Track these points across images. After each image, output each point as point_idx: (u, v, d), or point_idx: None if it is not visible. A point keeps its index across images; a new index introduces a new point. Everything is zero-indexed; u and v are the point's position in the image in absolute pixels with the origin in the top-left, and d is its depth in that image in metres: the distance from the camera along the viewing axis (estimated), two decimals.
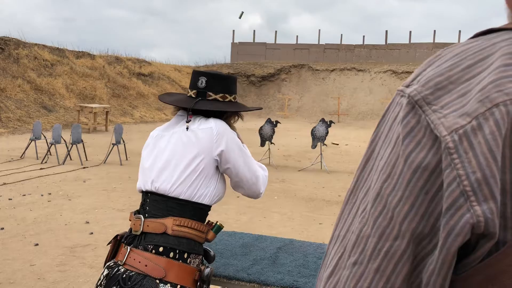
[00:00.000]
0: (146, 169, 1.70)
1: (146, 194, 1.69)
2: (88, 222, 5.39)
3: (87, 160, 9.69)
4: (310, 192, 7.70)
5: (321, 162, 10.05)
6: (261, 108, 2.17)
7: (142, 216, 1.63)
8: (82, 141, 9.62)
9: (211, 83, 1.76)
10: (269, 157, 10.03)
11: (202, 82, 1.76)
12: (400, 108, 0.46)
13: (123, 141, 9.80)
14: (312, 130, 10.23)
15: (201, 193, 1.63)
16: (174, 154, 1.64)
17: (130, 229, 1.67)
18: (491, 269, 0.40)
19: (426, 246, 0.42)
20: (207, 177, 1.63)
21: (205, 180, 1.63)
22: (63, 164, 9.14)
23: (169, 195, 1.61)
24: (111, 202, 6.38)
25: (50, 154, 9.64)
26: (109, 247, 1.74)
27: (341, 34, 31.92)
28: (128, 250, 1.59)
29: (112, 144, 9.50)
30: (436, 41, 29.62)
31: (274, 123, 10.20)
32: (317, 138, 10.07)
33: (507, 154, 0.40)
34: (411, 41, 30.13)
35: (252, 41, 32.67)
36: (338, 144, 14.74)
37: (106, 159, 9.59)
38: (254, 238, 2.31)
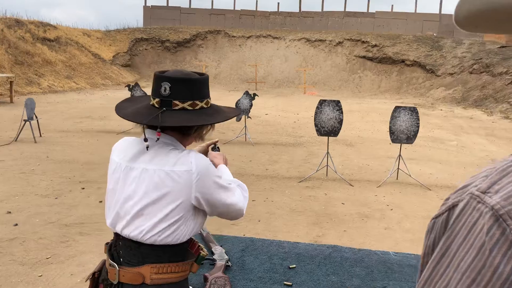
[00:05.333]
0: (114, 209, 1.53)
1: (117, 235, 1.54)
2: (10, 212, 5.03)
3: None
4: (238, 166, 7.79)
5: (245, 134, 10.17)
6: (239, 114, 1.98)
7: (116, 264, 1.50)
8: None
9: (177, 89, 1.51)
10: None
11: (165, 89, 1.50)
12: (479, 215, 0.51)
13: (36, 117, 9.14)
14: (236, 103, 10.26)
15: (179, 236, 1.50)
16: (147, 199, 1.46)
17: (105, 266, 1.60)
18: None
19: None
20: (185, 220, 1.50)
21: (183, 224, 1.50)
22: None
23: (143, 242, 1.48)
24: (32, 187, 6.00)
25: None
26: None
27: (256, 1, 31.80)
28: None
29: (24, 120, 8.82)
30: (347, 9, 30.62)
31: None
32: (242, 111, 10.14)
33: None
34: (324, 9, 30.89)
35: (165, 4, 31.49)
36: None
37: (17, 137, 8.91)
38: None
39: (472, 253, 0.50)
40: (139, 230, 1.46)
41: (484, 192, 0.51)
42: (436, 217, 0.60)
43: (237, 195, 1.60)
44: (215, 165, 1.81)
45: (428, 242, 0.60)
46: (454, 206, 0.56)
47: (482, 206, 0.50)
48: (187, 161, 1.48)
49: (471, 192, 0.53)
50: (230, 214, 1.60)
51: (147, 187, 1.47)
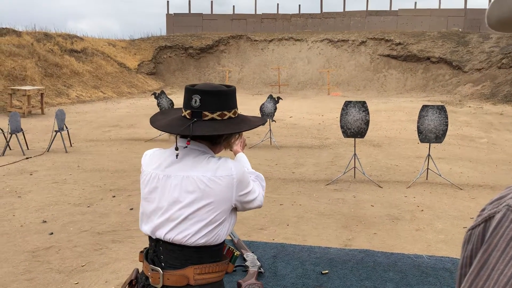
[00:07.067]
0: (155, 216, 1.59)
1: (157, 241, 1.60)
2: (45, 221, 5.17)
3: (28, 149, 9.20)
4: (264, 170, 7.81)
5: (270, 138, 10.19)
6: (265, 122, 2.04)
7: (159, 268, 1.56)
8: (22, 129, 9.08)
9: (207, 101, 1.60)
10: None
11: (196, 101, 1.59)
12: None
13: (66, 127, 9.38)
14: (260, 107, 10.29)
15: (219, 236, 1.58)
16: (194, 205, 1.54)
17: (143, 273, 1.63)
18: None
19: None
20: (225, 221, 1.59)
21: (223, 224, 1.58)
22: (3, 155, 8.63)
23: (186, 244, 1.54)
24: (65, 196, 6.15)
25: None
26: None
27: (277, 4, 31.90)
28: None
29: (55, 131, 9.06)
30: (369, 8, 30.34)
31: None
32: (266, 115, 10.16)
33: None
34: (345, 9, 30.68)
35: (187, 12, 31.85)
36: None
37: (49, 147, 9.15)
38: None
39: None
40: (183, 234, 1.53)
41: None
42: (473, 228, 0.60)
43: (257, 191, 1.71)
44: (234, 153, 1.94)
45: (465, 253, 0.61)
46: (490, 217, 0.57)
47: None
48: (228, 167, 1.59)
49: (507, 204, 0.54)
50: (253, 207, 1.72)
51: (192, 193, 1.54)
